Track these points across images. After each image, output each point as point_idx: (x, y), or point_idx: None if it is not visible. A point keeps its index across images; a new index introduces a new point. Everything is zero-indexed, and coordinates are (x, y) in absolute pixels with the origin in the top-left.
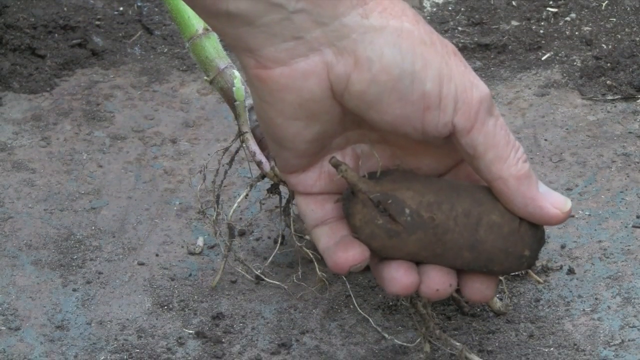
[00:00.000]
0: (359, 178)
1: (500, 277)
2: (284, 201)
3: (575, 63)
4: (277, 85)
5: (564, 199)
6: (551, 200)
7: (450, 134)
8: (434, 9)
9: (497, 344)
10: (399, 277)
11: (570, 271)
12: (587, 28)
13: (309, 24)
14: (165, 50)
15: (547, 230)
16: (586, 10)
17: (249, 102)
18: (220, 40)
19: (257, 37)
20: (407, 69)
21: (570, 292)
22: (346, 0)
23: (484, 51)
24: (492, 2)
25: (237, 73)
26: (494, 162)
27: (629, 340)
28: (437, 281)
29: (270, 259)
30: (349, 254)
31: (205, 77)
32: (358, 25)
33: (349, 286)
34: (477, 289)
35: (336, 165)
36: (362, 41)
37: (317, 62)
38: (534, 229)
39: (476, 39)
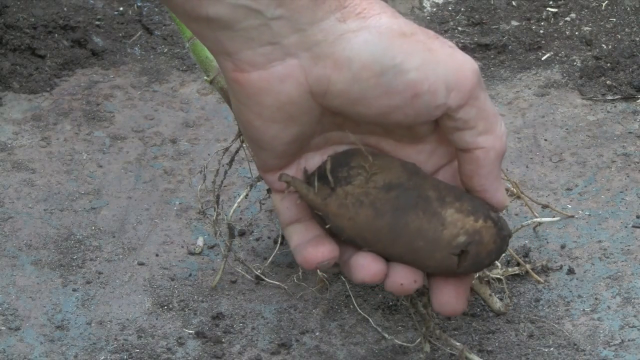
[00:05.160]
0: (308, 190)
1: (501, 277)
2: None
3: (575, 63)
4: (254, 89)
5: (507, 198)
6: (503, 190)
7: (443, 114)
8: (434, 9)
9: (497, 344)
10: (366, 264)
11: (570, 271)
12: (587, 28)
13: (287, 30)
14: (165, 50)
15: (547, 230)
16: (586, 10)
17: None
18: None
19: (235, 41)
20: (387, 64)
21: (570, 292)
22: (324, 6)
23: (484, 51)
24: (492, 2)
25: None
26: (481, 134)
27: (629, 340)
28: (402, 276)
29: (270, 259)
30: (318, 250)
31: (206, 77)
32: (335, 29)
33: (348, 286)
34: (447, 302)
35: (286, 181)
36: (340, 43)
37: (294, 65)
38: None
39: (476, 39)
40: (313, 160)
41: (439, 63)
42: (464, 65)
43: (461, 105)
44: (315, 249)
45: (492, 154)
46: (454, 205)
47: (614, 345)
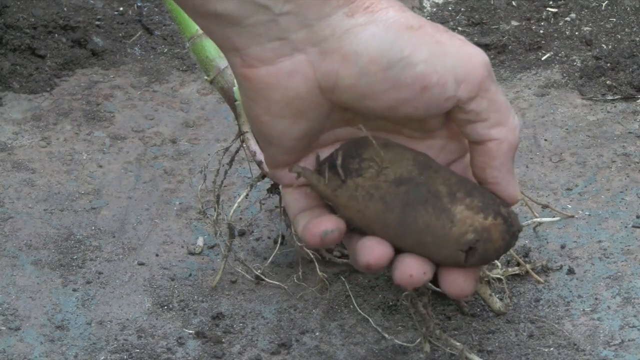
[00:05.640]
0: (319, 180)
1: (501, 277)
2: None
3: (575, 63)
4: (263, 84)
5: (519, 192)
6: (515, 183)
7: (453, 106)
8: (434, 9)
9: (497, 344)
10: (371, 245)
11: (570, 271)
12: (587, 28)
13: (294, 25)
14: (165, 50)
15: (547, 230)
16: (586, 10)
17: None
18: None
19: (243, 37)
20: (395, 57)
21: (570, 292)
22: (332, 1)
23: (484, 51)
24: (492, 2)
25: None
26: (494, 126)
27: (629, 340)
28: (412, 266)
29: (270, 259)
30: (322, 220)
31: (206, 77)
32: (343, 24)
33: (348, 286)
34: (455, 282)
35: (297, 172)
36: (348, 37)
37: (302, 60)
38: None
39: (476, 39)
40: (322, 157)
41: (448, 55)
42: (474, 57)
43: (472, 97)
44: (319, 220)
45: (504, 145)
46: (464, 202)
47: (614, 345)
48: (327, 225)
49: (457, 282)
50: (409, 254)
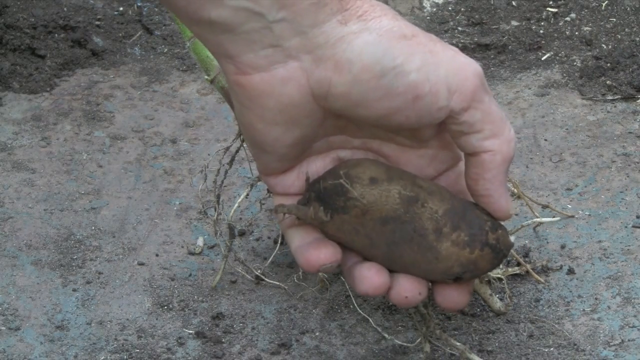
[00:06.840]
0: (305, 215)
1: (501, 277)
2: None
3: (575, 63)
4: (256, 91)
5: (512, 206)
6: (508, 197)
7: (446, 117)
8: (434, 9)
9: (497, 344)
10: (370, 275)
11: (570, 271)
12: (587, 28)
13: (288, 32)
14: (165, 50)
15: (547, 230)
16: (586, 10)
17: None
18: None
19: (237, 44)
20: (387, 65)
21: (570, 292)
22: (326, 8)
23: (484, 51)
24: (492, 2)
25: None
26: (488, 137)
27: (629, 340)
28: (407, 288)
29: (270, 259)
30: (320, 252)
31: (206, 76)
32: (336, 32)
33: (348, 286)
34: (449, 295)
35: (282, 213)
36: (341, 45)
37: (296, 68)
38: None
39: (476, 39)
40: (315, 165)
41: (440, 65)
42: (466, 67)
43: (464, 108)
44: (317, 251)
45: (498, 157)
46: (450, 238)
47: (614, 345)
48: (325, 258)
49: (451, 297)
50: (403, 274)
